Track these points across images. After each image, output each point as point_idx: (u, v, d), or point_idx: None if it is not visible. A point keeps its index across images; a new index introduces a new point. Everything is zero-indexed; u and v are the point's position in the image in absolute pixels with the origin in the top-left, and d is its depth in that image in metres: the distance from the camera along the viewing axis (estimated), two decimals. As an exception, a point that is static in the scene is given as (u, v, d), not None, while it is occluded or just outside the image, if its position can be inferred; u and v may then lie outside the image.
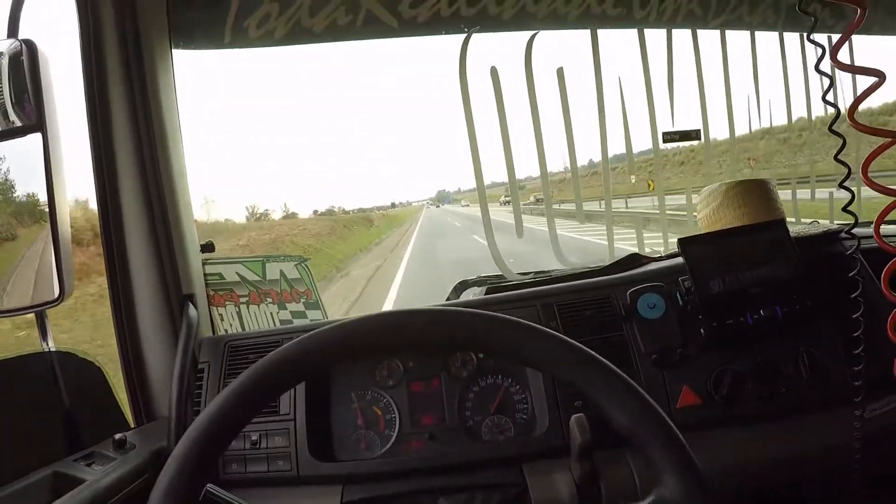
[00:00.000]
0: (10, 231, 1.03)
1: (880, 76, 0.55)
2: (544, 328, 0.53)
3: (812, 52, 1.54)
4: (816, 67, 0.66)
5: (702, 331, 0.95)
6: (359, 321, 0.54)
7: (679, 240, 1.02)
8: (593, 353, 0.51)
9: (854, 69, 0.59)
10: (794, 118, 1.61)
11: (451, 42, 1.25)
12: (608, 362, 0.51)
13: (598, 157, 1.37)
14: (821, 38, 1.46)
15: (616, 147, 1.42)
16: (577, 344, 0.52)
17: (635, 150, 1.51)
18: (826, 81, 0.71)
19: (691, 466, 0.47)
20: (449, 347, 0.79)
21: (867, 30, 1.59)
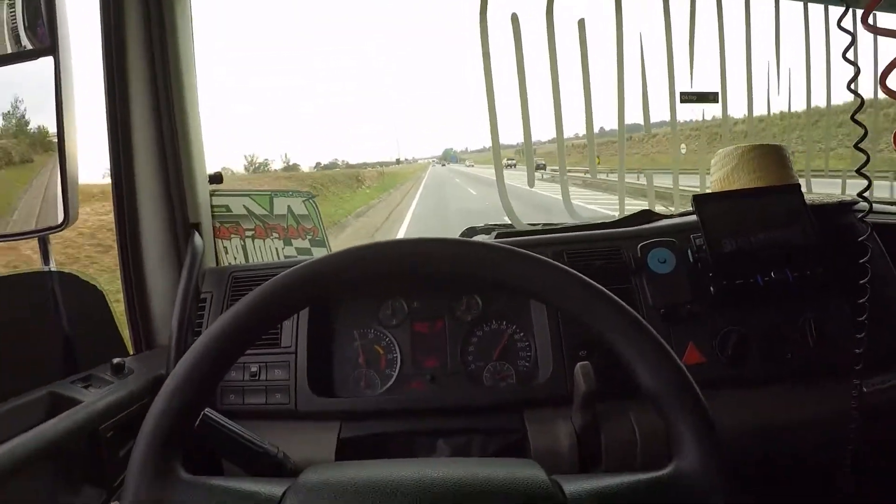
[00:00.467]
0: (19, 157, 1.03)
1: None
2: (580, 275, 0.51)
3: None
4: (839, 24, 0.65)
5: (711, 288, 0.95)
6: (366, 247, 0.53)
7: (694, 196, 1.01)
8: (633, 312, 0.50)
9: (883, 31, 0.57)
10: (812, 97, 1.58)
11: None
12: (647, 324, 0.49)
13: (609, 125, 1.36)
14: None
15: (632, 114, 1.40)
16: (618, 301, 0.50)
17: (652, 119, 1.48)
18: (848, 39, 0.69)
19: (715, 444, 0.46)
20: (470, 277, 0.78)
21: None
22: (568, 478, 0.45)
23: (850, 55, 0.65)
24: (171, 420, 0.47)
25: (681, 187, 1.53)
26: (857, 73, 0.70)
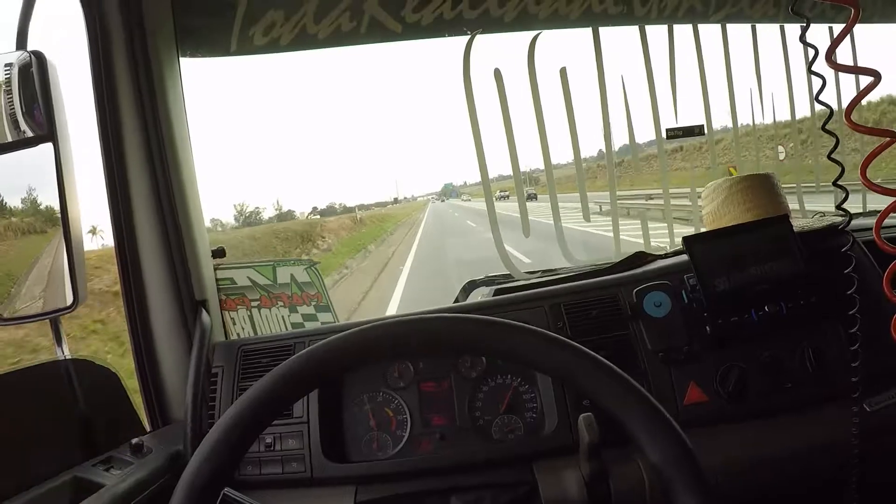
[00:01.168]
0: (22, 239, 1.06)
1: (876, 76, 0.56)
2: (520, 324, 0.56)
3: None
4: (809, 69, 0.67)
5: (707, 328, 0.96)
6: (377, 327, 0.56)
7: (684, 238, 1.02)
8: (630, 380, 0.52)
9: (848, 69, 0.60)
10: (797, 113, 1.60)
11: (455, 42, 1.26)
12: (579, 345, 0.53)
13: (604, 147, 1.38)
14: (822, 29, 1.49)
15: (621, 143, 1.43)
16: (615, 370, 0.53)
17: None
18: (819, 82, 0.72)
19: (668, 428, 0.48)
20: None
21: (867, 19, 1.59)
22: None
23: (815, 68, 0.68)
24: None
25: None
26: (824, 84, 0.73)
